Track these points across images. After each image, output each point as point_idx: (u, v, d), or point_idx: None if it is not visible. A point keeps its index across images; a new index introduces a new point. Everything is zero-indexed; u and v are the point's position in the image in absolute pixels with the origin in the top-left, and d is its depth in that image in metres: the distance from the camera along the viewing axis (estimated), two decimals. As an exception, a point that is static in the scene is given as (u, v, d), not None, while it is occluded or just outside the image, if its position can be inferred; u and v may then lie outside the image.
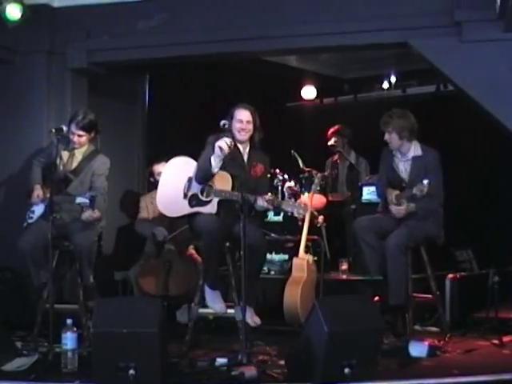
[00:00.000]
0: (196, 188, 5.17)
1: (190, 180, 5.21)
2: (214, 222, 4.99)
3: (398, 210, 5.42)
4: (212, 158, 5.04)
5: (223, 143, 4.97)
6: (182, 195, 5.20)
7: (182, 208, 5.18)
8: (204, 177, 5.13)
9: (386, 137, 5.53)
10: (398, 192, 5.48)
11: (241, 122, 5.15)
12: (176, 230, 6.04)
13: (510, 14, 5.28)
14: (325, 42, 6.09)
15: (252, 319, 5.08)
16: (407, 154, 5.55)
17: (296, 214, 5.29)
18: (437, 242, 5.50)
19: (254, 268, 5.01)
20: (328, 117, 8.49)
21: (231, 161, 5.12)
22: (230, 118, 5.18)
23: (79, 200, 5.08)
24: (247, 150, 5.24)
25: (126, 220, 7.04)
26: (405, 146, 5.53)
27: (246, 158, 5.22)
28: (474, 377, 4.29)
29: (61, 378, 4.42)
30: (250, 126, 5.18)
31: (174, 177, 5.29)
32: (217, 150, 5.00)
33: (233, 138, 5.09)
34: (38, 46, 6.42)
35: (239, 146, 5.20)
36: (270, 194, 5.33)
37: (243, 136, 5.16)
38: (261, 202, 5.01)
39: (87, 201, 5.04)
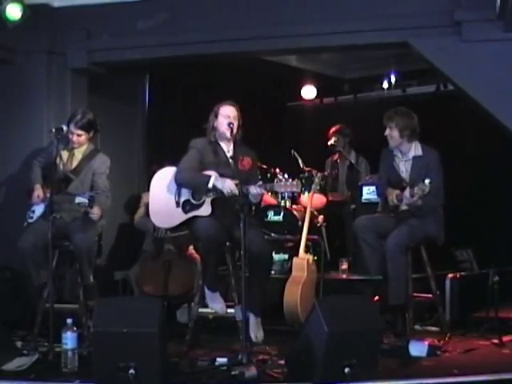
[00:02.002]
0: (187, 194, 5.14)
1: (179, 187, 5.19)
2: (213, 227, 4.94)
3: (408, 197, 5.35)
4: (214, 181, 4.98)
5: (233, 187, 4.93)
6: (175, 204, 5.16)
7: (178, 217, 5.14)
8: (191, 188, 5.12)
9: (387, 132, 5.51)
10: (398, 192, 5.48)
11: (228, 117, 5.10)
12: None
13: (510, 14, 5.28)
14: (325, 42, 6.08)
15: (255, 333, 5.03)
16: (408, 154, 5.55)
17: (290, 193, 5.23)
18: (437, 242, 5.50)
19: (261, 277, 5.03)
20: (328, 117, 8.49)
21: (216, 161, 5.12)
22: (215, 115, 5.16)
23: (78, 200, 5.09)
24: (231, 147, 5.19)
25: (126, 220, 7.05)
26: (404, 146, 5.53)
27: (230, 154, 5.15)
28: (473, 377, 4.29)
29: (61, 377, 4.42)
30: (236, 123, 5.13)
31: (163, 188, 5.23)
32: (225, 191, 4.97)
33: (215, 135, 5.12)
34: (38, 46, 6.41)
35: (222, 144, 5.16)
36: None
37: (229, 132, 5.08)
38: (254, 190, 4.92)
39: (86, 200, 5.05)
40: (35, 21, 6.03)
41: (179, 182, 5.15)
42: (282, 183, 5.21)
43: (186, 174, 5.14)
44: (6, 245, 5.77)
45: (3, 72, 6.44)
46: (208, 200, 5.06)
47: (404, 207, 5.49)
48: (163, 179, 5.27)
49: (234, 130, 5.10)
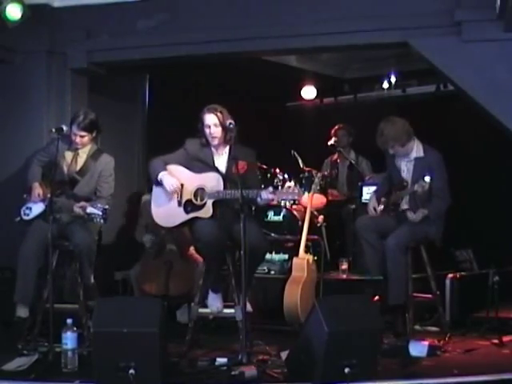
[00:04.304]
0: (189, 194, 5.15)
1: (182, 186, 5.17)
2: (213, 231, 4.93)
3: (413, 217, 5.40)
4: (162, 175, 5.11)
5: (176, 187, 5.09)
6: (177, 204, 5.16)
7: (179, 217, 5.14)
8: (150, 176, 5.26)
9: (391, 151, 5.53)
10: (398, 192, 5.49)
11: (208, 127, 5.11)
12: (176, 233, 6.03)
13: (510, 14, 5.28)
14: (325, 41, 6.08)
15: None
16: (410, 155, 5.54)
17: (290, 201, 5.27)
18: (435, 243, 5.50)
19: (252, 267, 4.99)
20: (328, 117, 8.50)
21: (203, 163, 5.14)
22: (201, 123, 5.17)
23: (90, 210, 5.07)
24: (226, 149, 5.19)
25: (126, 220, 7.05)
26: (408, 147, 5.52)
27: (225, 157, 5.17)
28: (474, 377, 4.29)
29: (61, 377, 4.42)
30: (218, 129, 5.11)
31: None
32: (169, 189, 5.11)
33: (207, 141, 5.16)
34: (38, 45, 6.41)
35: (213, 148, 5.18)
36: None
37: (214, 141, 5.13)
38: (265, 195, 4.92)
39: (100, 213, 5.02)
40: (35, 21, 6.03)
41: (147, 168, 5.32)
42: (284, 190, 5.16)
43: (153, 163, 5.25)
44: (6, 245, 5.77)
45: (3, 72, 6.44)
46: (210, 201, 5.05)
47: (404, 207, 5.50)
48: None
49: (217, 137, 5.12)
